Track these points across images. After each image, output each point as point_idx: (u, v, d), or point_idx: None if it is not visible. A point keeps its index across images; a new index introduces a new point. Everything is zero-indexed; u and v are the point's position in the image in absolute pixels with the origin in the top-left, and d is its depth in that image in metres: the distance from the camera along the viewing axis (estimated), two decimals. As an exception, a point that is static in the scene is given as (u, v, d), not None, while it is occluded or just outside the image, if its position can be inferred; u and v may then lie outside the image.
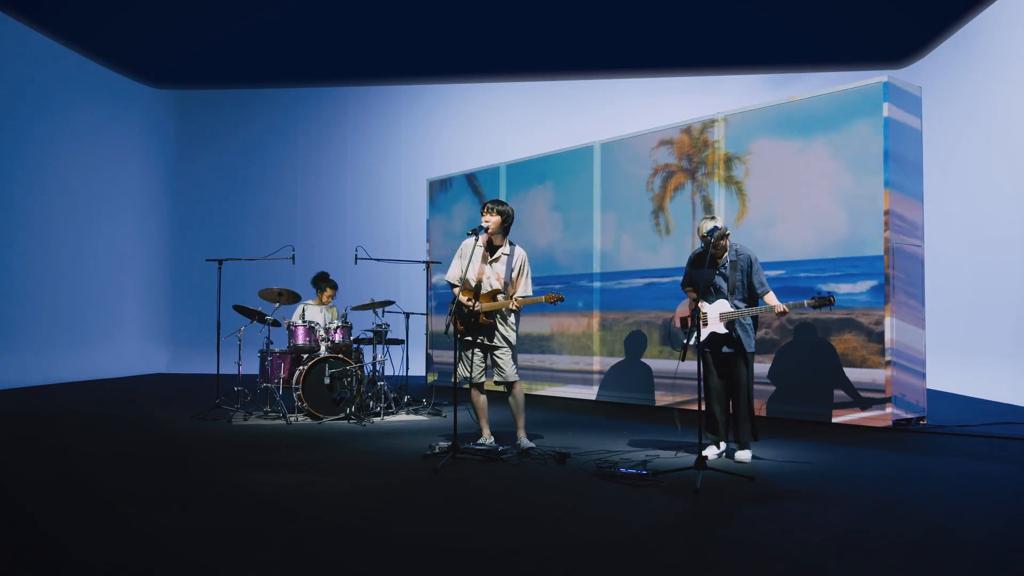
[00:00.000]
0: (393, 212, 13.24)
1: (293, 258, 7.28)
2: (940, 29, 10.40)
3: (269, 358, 7.10)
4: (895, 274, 6.10)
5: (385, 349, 7.32)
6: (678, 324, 5.16)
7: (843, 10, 10.56)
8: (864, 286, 6.21)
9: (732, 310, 4.81)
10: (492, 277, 5.18)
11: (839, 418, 6.25)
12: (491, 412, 5.47)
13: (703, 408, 4.70)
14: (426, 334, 9.76)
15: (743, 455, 4.85)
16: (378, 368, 7.17)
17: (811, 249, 6.52)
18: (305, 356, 7.06)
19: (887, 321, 6.04)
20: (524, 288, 5.21)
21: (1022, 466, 4.80)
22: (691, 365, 7.09)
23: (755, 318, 5.00)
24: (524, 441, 5.19)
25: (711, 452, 4.96)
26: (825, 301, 4.56)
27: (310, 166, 13.61)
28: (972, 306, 9.30)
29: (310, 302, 7.66)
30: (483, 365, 5.25)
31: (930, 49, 10.87)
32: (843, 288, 6.27)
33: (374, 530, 3.38)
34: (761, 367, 6.64)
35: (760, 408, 6.59)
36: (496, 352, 5.19)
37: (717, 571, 2.84)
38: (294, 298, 7.31)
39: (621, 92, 12.69)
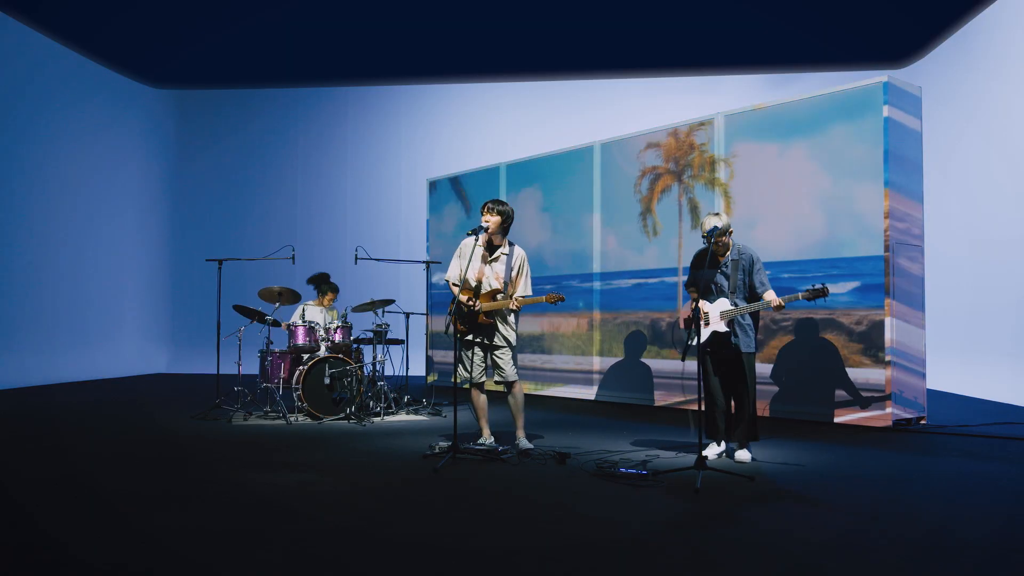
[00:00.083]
0: (393, 212, 13.24)
1: (293, 258, 7.28)
2: (940, 29, 10.40)
3: (269, 358, 7.10)
4: (895, 276, 6.10)
5: (385, 349, 7.32)
6: (682, 325, 5.16)
7: (843, 10, 10.56)
8: (847, 286, 6.27)
9: (731, 308, 4.82)
10: (492, 277, 5.18)
11: (840, 418, 6.25)
12: (491, 412, 5.47)
13: (703, 408, 4.71)
14: (426, 334, 9.76)
15: (743, 455, 4.85)
16: (378, 368, 7.17)
17: (812, 249, 6.52)
18: (305, 356, 7.06)
19: (887, 321, 6.04)
20: (524, 288, 5.21)
21: (1022, 466, 4.80)
22: (692, 365, 7.10)
23: (755, 318, 4.99)
24: (523, 442, 5.19)
25: (711, 452, 4.96)
26: (819, 292, 4.57)
27: (310, 166, 13.61)
28: (972, 306, 9.30)
29: (310, 302, 7.66)
30: (483, 365, 5.25)
31: (930, 49, 10.87)
32: (836, 288, 6.32)
33: (374, 530, 3.38)
34: (764, 367, 6.65)
35: (763, 409, 6.59)
36: (496, 352, 5.19)
37: (717, 571, 2.84)
38: (294, 297, 7.30)
39: (621, 92, 12.69)
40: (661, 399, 7.60)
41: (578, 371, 8.50)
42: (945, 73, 10.29)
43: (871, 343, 6.13)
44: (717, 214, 4.91)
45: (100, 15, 10.76)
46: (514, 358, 5.24)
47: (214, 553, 3.03)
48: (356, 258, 7.51)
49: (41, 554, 3.01)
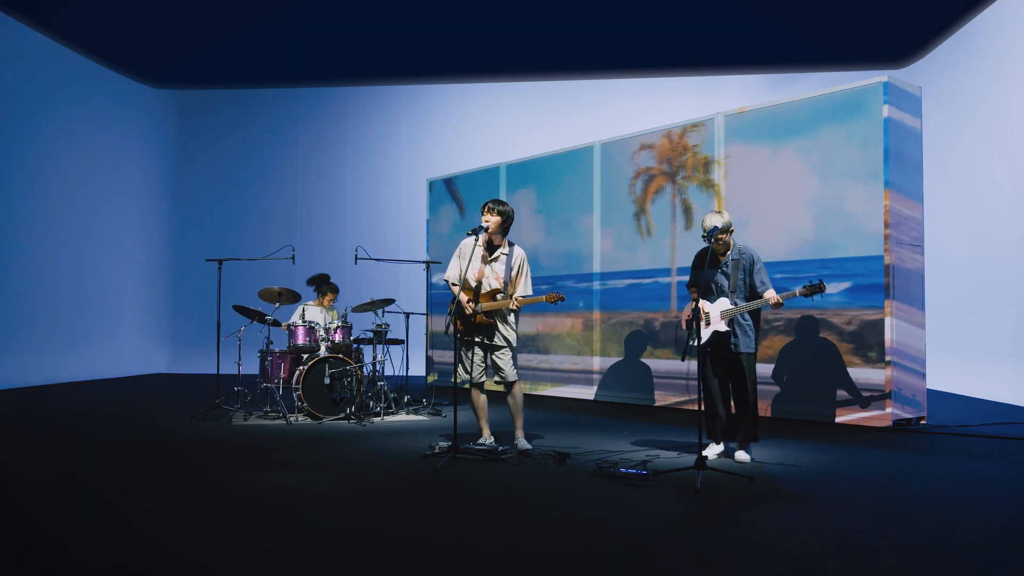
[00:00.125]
0: (393, 212, 13.24)
1: (293, 258, 7.28)
2: (940, 29, 10.40)
3: (269, 358, 7.10)
4: (895, 276, 6.10)
5: (385, 349, 7.32)
6: (684, 326, 5.15)
7: (843, 10, 10.56)
8: (840, 287, 6.30)
9: (732, 307, 4.82)
10: (491, 277, 5.18)
11: (841, 418, 6.26)
12: (491, 412, 5.47)
13: (703, 408, 4.71)
14: (426, 334, 9.76)
15: (743, 455, 4.85)
16: (378, 368, 7.17)
17: (809, 250, 6.53)
18: (305, 356, 7.06)
19: (887, 321, 6.05)
20: (524, 288, 5.21)
21: (1022, 466, 4.80)
22: (692, 365, 7.11)
23: (755, 318, 4.98)
24: (522, 442, 5.18)
25: (711, 452, 4.96)
26: (816, 288, 4.57)
27: (310, 166, 13.61)
28: (972, 306, 9.30)
29: (310, 303, 7.66)
30: (483, 365, 5.24)
31: (930, 49, 10.87)
32: (831, 288, 6.34)
33: (374, 530, 3.38)
34: (766, 368, 6.65)
35: (765, 409, 6.60)
36: (496, 353, 5.19)
37: (717, 571, 2.84)
38: (294, 297, 7.31)
39: (621, 92, 12.69)
40: (660, 399, 7.60)
41: (576, 371, 8.50)
42: (945, 73, 10.29)
43: (863, 342, 6.14)
44: (719, 212, 4.91)
45: (100, 15, 10.76)
46: (514, 358, 5.24)
47: (214, 553, 3.03)
48: (356, 258, 7.51)
49: (41, 554, 3.01)
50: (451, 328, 5.12)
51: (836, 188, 6.37)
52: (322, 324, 7.17)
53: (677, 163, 7.62)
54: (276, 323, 7.17)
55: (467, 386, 5.33)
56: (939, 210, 9.33)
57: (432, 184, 10.56)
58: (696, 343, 4.54)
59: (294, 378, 6.93)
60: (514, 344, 5.22)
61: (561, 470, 4.59)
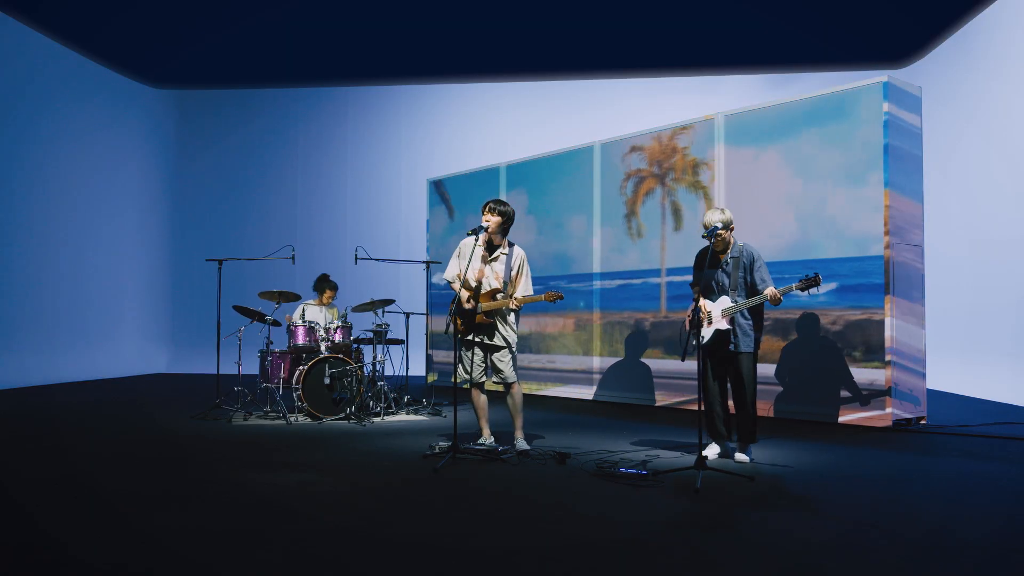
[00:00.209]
0: (393, 212, 13.24)
1: (293, 258, 7.28)
2: (940, 29, 10.40)
3: (269, 358, 7.10)
4: (895, 276, 6.10)
5: (385, 349, 7.32)
6: (687, 326, 5.15)
7: (843, 10, 10.56)
8: (838, 287, 6.34)
9: (732, 305, 4.81)
10: (491, 277, 5.18)
11: (843, 418, 6.26)
12: (491, 412, 5.46)
13: (703, 408, 4.71)
14: (426, 334, 9.76)
15: (742, 456, 4.85)
16: (378, 368, 7.17)
17: (796, 251, 6.53)
18: (305, 356, 7.06)
19: (887, 321, 6.05)
20: (524, 287, 5.21)
21: (1022, 466, 4.80)
22: (692, 365, 7.10)
23: (757, 318, 4.96)
24: (521, 443, 5.17)
25: (711, 452, 4.96)
26: (812, 282, 4.57)
27: (310, 166, 13.61)
28: (972, 306, 9.30)
29: (310, 302, 7.66)
30: (483, 365, 5.24)
31: (930, 49, 10.87)
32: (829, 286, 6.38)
33: (374, 530, 3.38)
34: (768, 368, 6.65)
35: (768, 409, 6.61)
36: (496, 354, 5.19)
37: (717, 571, 2.84)
38: (294, 299, 7.33)
39: (621, 92, 12.69)
40: (660, 399, 7.60)
41: (573, 371, 8.50)
42: (945, 73, 10.29)
43: (862, 342, 6.14)
44: (720, 209, 4.90)
45: (100, 15, 10.76)
46: (514, 359, 5.24)
47: (214, 553, 3.03)
48: (356, 258, 7.51)
49: (41, 554, 3.01)
50: (451, 328, 5.12)
51: (836, 188, 6.37)
52: (322, 324, 7.17)
53: (667, 165, 7.68)
54: (276, 323, 7.17)
55: (467, 386, 5.33)
56: (939, 210, 9.33)
57: (432, 184, 10.58)
58: (697, 343, 4.54)
59: (294, 378, 6.93)
60: (514, 345, 5.22)
61: (561, 470, 4.59)
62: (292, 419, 6.67)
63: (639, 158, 7.99)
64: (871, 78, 6.26)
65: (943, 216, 9.61)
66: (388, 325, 7.19)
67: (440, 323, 9.51)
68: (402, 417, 7.02)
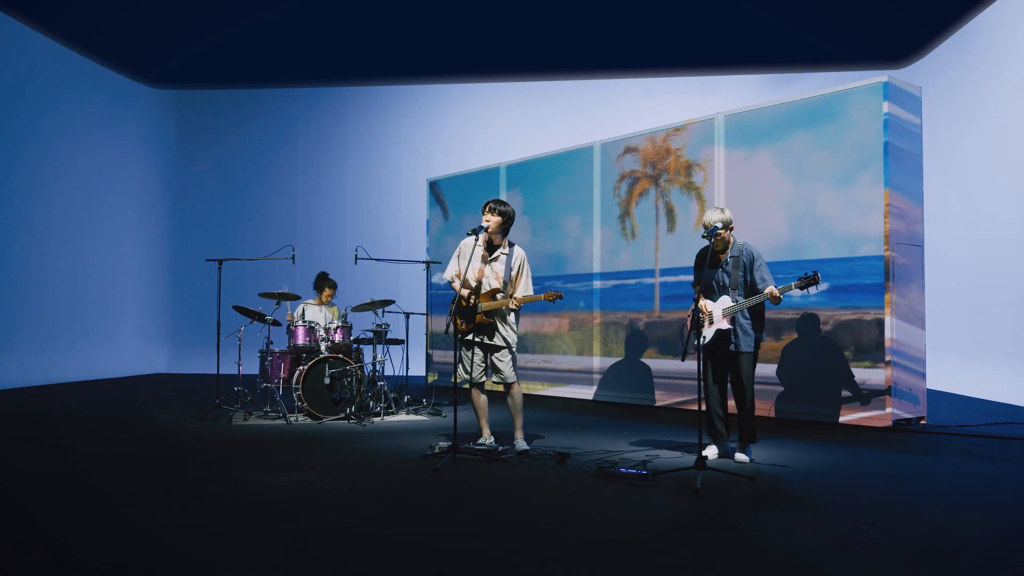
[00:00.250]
0: (393, 212, 13.24)
1: (293, 258, 7.28)
2: (940, 29, 10.40)
3: (269, 358, 7.10)
4: (894, 276, 6.10)
5: (385, 349, 7.32)
6: (689, 327, 5.15)
7: (843, 10, 10.56)
8: (838, 287, 6.34)
9: (732, 304, 4.82)
10: (491, 276, 5.18)
11: (844, 418, 6.26)
12: (491, 412, 5.46)
13: (703, 408, 4.70)
14: (426, 334, 9.76)
15: (742, 456, 4.85)
16: (378, 368, 7.17)
17: (790, 252, 6.53)
18: (305, 356, 7.06)
19: (887, 321, 6.05)
20: (524, 287, 5.21)
21: (1022, 466, 4.80)
22: (692, 365, 7.10)
23: (758, 318, 4.96)
24: (520, 443, 5.17)
25: (711, 452, 4.96)
26: (810, 280, 4.58)
27: (310, 166, 13.61)
28: (972, 306, 9.30)
29: (310, 302, 7.66)
30: (483, 365, 5.24)
31: (930, 49, 10.87)
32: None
33: (374, 530, 3.38)
34: (769, 368, 6.65)
35: (769, 409, 6.61)
36: (496, 354, 5.19)
37: (717, 571, 2.84)
38: (294, 299, 7.33)
39: (621, 92, 12.69)
40: (660, 399, 7.60)
41: (573, 371, 8.50)
42: (945, 73, 10.29)
43: (863, 342, 6.14)
44: (720, 208, 4.90)
45: (100, 15, 10.76)
46: (514, 359, 5.23)
47: (214, 553, 3.03)
48: (356, 258, 7.51)
49: (41, 554, 3.01)
50: (451, 327, 5.12)
51: (836, 188, 6.38)
52: (322, 324, 7.17)
53: (660, 166, 7.72)
54: (276, 323, 7.17)
55: (467, 386, 5.33)
56: (939, 210, 9.33)
57: (428, 185, 10.58)
58: (697, 343, 4.54)
59: (294, 378, 6.93)
60: (514, 345, 5.22)
61: (561, 470, 4.59)
62: (292, 419, 6.67)
63: (633, 159, 8.04)
64: (871, 78, 6.26)
65: (943, 216, 9.61)
66: (388, 325, 7.19)
67: (440, 323, 9.51)
68: (402, 417, 7.02)
